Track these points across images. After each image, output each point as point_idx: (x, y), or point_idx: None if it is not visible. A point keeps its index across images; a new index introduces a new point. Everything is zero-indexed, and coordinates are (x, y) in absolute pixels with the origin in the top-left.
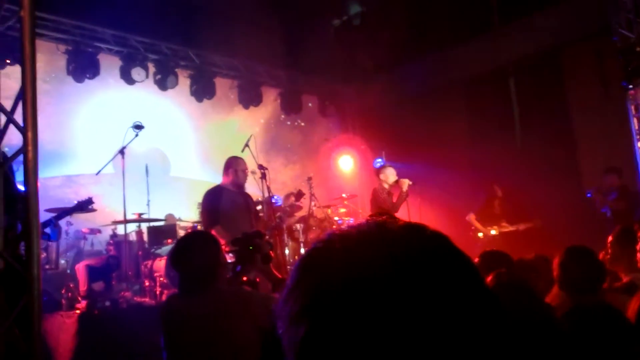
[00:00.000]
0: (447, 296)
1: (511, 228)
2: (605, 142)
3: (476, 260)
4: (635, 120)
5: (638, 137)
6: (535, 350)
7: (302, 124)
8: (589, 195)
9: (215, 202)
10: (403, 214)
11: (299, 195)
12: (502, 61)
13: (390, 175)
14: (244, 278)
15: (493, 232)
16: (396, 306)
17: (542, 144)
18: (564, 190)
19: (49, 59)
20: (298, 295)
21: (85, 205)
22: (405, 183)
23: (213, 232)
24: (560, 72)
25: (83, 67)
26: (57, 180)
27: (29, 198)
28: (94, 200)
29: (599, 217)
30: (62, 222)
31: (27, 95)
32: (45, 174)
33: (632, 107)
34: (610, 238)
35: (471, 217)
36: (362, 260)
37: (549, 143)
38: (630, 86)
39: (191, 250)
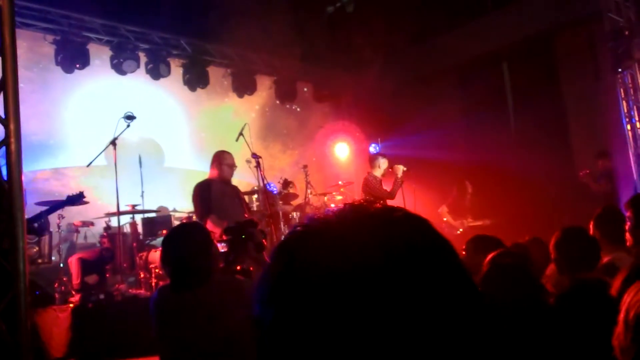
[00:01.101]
0: (421, 283)
1: (478, 222)
2: (597, 124)
3: (464, 244)
4: (624, 104)
5: (627, 119)
6: (528, 332)
7: (298, 109)
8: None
9: (205, 193)
10: (398, 200)
11: (285, 184)
12: (496, 46)
13: (382, 164)
14: (238, 267)
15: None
16: (367, 293)
17: (536, 127)
18: (557, 172)
19: (32, 46)
20: (270, 278)
21: (76, 200)
22: (400, 169)
23: (208, 221)
24: (553, 55)
25: (72, 58)
26: (45, 173)
27: (13, 192)
28: (85, 194)
29: (592, 199)
30: (54, 215)
31: (8, 86)
32: (32, 166)
33: (621, 90)
34: (592, 219)
35: (443, 210)
36: (338, 245)
37: (542, 126)
38: (620, 69)
39: (182, 247)
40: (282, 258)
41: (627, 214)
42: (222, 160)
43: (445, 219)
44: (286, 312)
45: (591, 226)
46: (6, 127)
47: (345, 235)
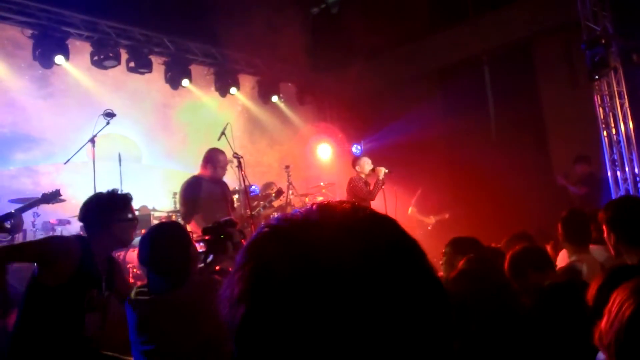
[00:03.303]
0: (386, 281)
1: (439, 217)
2: (574, 129)
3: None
4: (600, 110)
5: (603, 126)
6: (500, 333)
7: (283, 106)
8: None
9: (194, 193)
10: (379, 202)
11: (279, 193)
12: (477, 50)
13: (366, 164)
14: (216, 267)
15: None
16: (332, 292)
17: (515, 131)
18: (536, 175)
19: None
20: (239, 278)
21: (51, 198)
22: (382, 171)
23: (192, 221)
24: (532, 61)
25: (50, 53)
26: (14, 170)
27: None
28: (61, 192)
29: (570, 202)
30: (29, 213)
31: None
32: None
33: (598, 97)
34: (560, 220)
35: (414, 211)
36: (303, 245)
37: (522, 130)
38: (596, 77)
39: (161, 247)
40: (249, 258)
41: (602, 220)
42: (216, 161)
43: (417, 219)
44: (254, 312)
45: (559, 228)
46: None
47: (311, 235)
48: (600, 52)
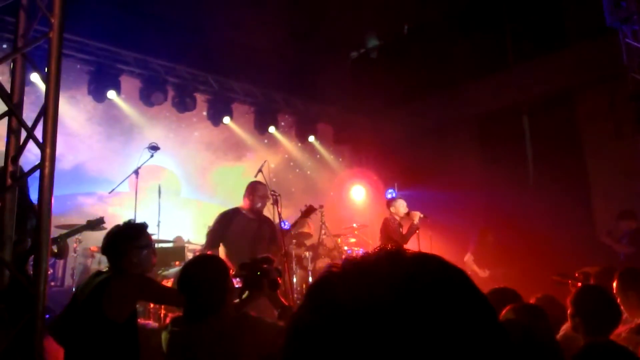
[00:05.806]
0: (451, 328)
1: (502, 270)
2: (619, 183)
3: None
4: None
5: None
6: None
7: (319, 147)
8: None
9: (222, 226)
10: (413, 247)
11: (309, 210)
12: (516, 99)
13: (401, 207)
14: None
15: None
16: (396, 335)
17: (555, 183)
18: (577, 230)
19: None
20: (303, 314)
21: (95, 225)
22: (417, 215)
23: (208, 254)
24: (574, 112)
25: (104, 88)
26: (59, 198)
27: (42, 214)
28: (104, 220)
29: (614, 259)
30: (72, 238)
31: (49, 112)
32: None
33: None
34: (615, 281)
35: (469, 258)
36: (370, 288)
37: (562, 181)
38: None
39: (199, 276)
40: (313, 297)
41: None
42: (255, 191)
43: (471, 269)
44: (313, 352)
45: (614, 287)
46: (42, 151)
47: (383, 279)
48: None
